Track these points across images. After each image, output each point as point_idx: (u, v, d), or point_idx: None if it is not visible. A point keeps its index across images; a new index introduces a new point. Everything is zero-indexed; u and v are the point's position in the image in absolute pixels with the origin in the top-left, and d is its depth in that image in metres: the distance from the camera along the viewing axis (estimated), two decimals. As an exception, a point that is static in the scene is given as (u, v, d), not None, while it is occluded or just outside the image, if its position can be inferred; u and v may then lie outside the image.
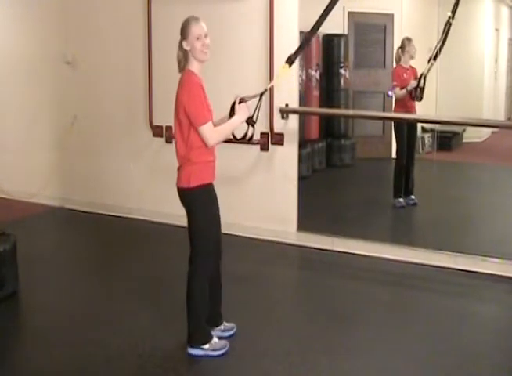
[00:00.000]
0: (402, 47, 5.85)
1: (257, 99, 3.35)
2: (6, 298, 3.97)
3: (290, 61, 3.60)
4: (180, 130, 3.18)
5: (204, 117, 3.11)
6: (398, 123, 5.89)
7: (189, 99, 3.11)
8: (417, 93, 5.57)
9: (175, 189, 3.26)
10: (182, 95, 3.14)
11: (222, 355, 3.28)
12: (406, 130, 5.85)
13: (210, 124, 3.13)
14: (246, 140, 3.41)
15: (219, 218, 3.35)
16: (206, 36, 3.16)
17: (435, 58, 5.42)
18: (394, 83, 5.84)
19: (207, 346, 3.29)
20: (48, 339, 3.52)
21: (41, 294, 4.17)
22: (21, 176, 6.58)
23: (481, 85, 6.81)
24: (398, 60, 5.91)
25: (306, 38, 3.96)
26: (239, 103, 3.23)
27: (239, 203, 5.36)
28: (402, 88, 5.74)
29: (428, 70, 5.53)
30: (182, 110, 3.13)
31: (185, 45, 3.16)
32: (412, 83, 5.65)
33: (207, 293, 3.29)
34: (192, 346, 3.30)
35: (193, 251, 3.27)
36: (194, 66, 3.19)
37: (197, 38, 3.14)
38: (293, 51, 3.69)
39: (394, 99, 5.93)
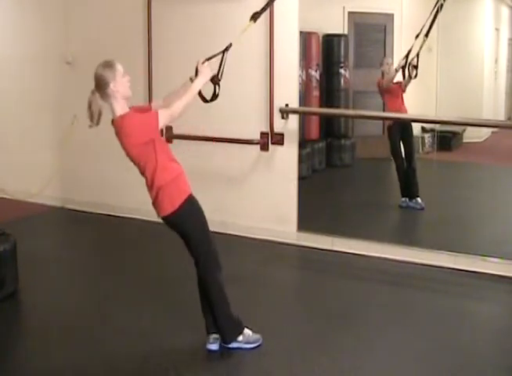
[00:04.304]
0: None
1: (221, 56, 3.30)
2: (6, 298, 3.97)
3: (255, 17, 3.56)
4: (147, 164, 3.09)
5: (149, 118, 3.07)
6: (389, 126, 5.91)
7: (134, 132, 3.07)
8: (410, 71, 5.53)
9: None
10: (128, 139, 3.08)
11: (255, 348, 3.30)
12: (400, 132, 5.86)
13: (159, 111, 3.05)
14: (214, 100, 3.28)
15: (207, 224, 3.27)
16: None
17: (427, 35, 5.37)
18: (379, 83, 5.89)
19: (240, 338, 3.29)
20: (48, 339, 3.52)
21: (41, 294, 4.18)
22: (21, 176, 6.57)
23: (481, 85, 6.79)
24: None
25: None
26: (202, 63, 3.16)
27: (239, 203, 5.36)
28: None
29: (420, 47, 5.47)
30: (137, 147, 3.07)
31: (112, 88, 3.02)
32: (401, 62, 5.61)
33: (223, 284, 3.26)
34: (227, 343, 3.29)
35: (199, 255, 3.20)
36: (123, 107, 3.12)
37: (123, 76, 3.08)
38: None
39: (384, 104, 5.94)
